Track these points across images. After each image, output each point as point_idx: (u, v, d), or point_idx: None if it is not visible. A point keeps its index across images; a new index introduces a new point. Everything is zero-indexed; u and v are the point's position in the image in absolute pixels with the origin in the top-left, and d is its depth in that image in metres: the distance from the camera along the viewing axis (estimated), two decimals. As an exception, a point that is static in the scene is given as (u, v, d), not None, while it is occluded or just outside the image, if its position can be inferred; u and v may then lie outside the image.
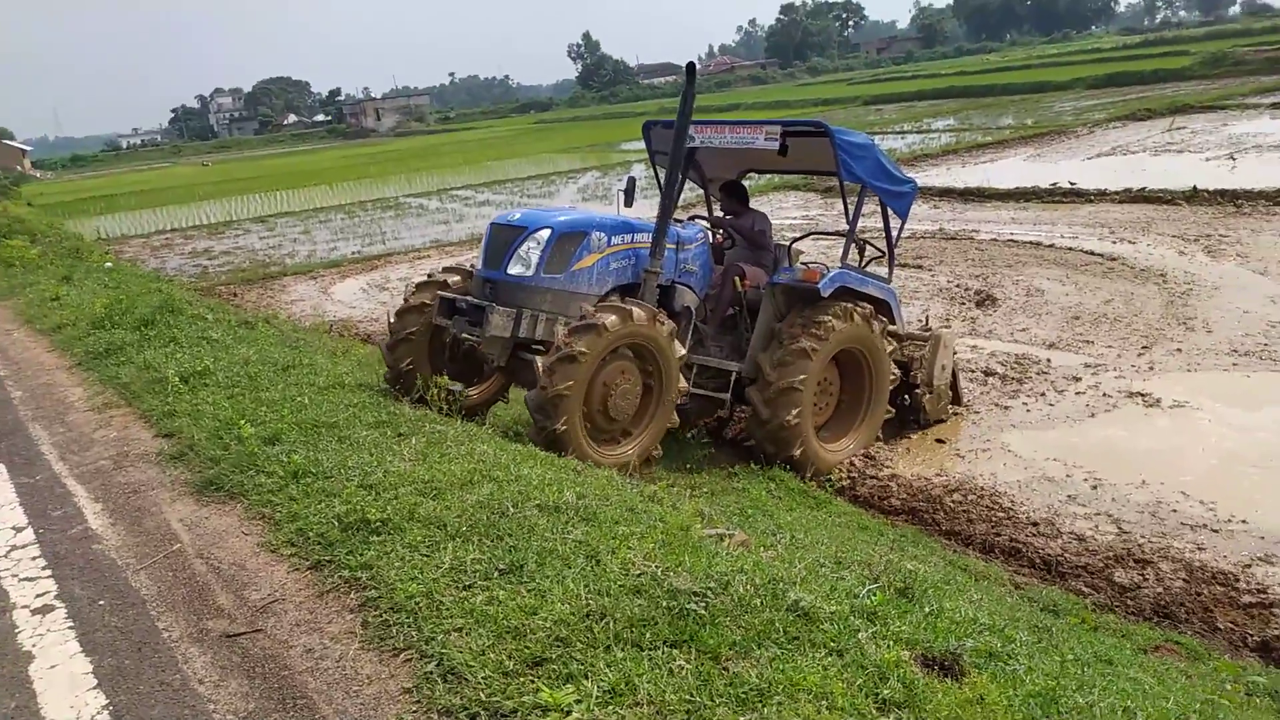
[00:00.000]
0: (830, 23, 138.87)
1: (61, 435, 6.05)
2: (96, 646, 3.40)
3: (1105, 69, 48.56)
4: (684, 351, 6.42)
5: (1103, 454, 7.04)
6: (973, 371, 9.03)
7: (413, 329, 6.71)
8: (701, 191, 8.75)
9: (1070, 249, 13.70)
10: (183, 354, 7.31)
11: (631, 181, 7.67)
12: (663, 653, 2.85)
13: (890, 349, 7.38)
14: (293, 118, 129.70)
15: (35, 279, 12.89)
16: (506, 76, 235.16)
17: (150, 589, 3.81)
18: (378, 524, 3.87)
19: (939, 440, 7.65)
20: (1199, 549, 5.70)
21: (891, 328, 7.55)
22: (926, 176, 22.49)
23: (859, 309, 7.06)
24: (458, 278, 6.81)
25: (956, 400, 8.16)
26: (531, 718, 2.61)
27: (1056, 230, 15.07)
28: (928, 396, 7.77)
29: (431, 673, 2.91)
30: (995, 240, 14.87)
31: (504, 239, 6.33)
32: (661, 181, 8.13)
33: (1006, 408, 8.15)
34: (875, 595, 3.37)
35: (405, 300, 6.91)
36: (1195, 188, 16.38)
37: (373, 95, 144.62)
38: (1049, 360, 9.16)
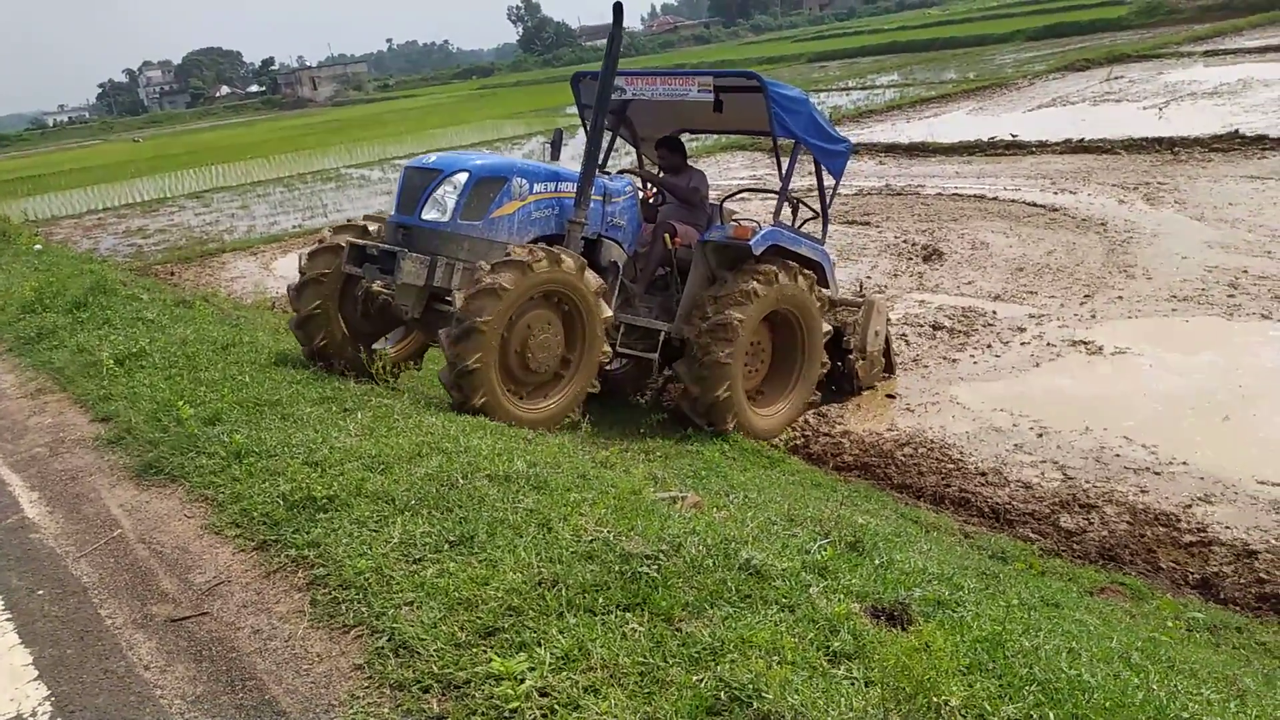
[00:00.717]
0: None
1: (-7, 424, 5.85)
2: (37, 637, 3.31)
3: (1044, 20, 48.97)
4: (610, 313, 6.16)
5: (1048, 402, 7.17)
6: (921, 326, 9.12)
7: (315, 303, 6.29)
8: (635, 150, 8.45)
9: (1013, 201, 13.86)
10: (117, 336, 7.10)
11: (559, 134, 7.33)
12: (615, 617, 2.85)
13: (822, 310, 7.17)
14: (226, 90, 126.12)
15: (-40, 264, 12.42)
16: (446, 42, 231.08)
17: (91, 576, 3.72)
18: (324, 501, 3.80)
19: (889, 395, 7.74)
20: (1142, 491, 5.85)
21: (824, 292, 7.38)
22: (872, 133, 22.58)
23: (790, 267, 6.87)
24: (375, 226, 6.40)
25: (889, 368, 8.07)
26: (485, 688, 2.59)
27: (1000, 183, 15.23)
28: (860, 362, 7.68)
29: (383, 648, 2.88)
30: (940, 195, 14.99)
31: (418, 183, 5.99)
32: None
33: (954, 361, 8.26)
34: (826, 550, 3.40)
35: (301, 272, 6.41)
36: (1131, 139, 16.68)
37: (308, 64, 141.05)
38: (994, 312, 9.28)
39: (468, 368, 5.36)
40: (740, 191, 9.27)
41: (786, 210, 7.34)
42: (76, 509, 4.39)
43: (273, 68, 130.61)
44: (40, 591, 3.64)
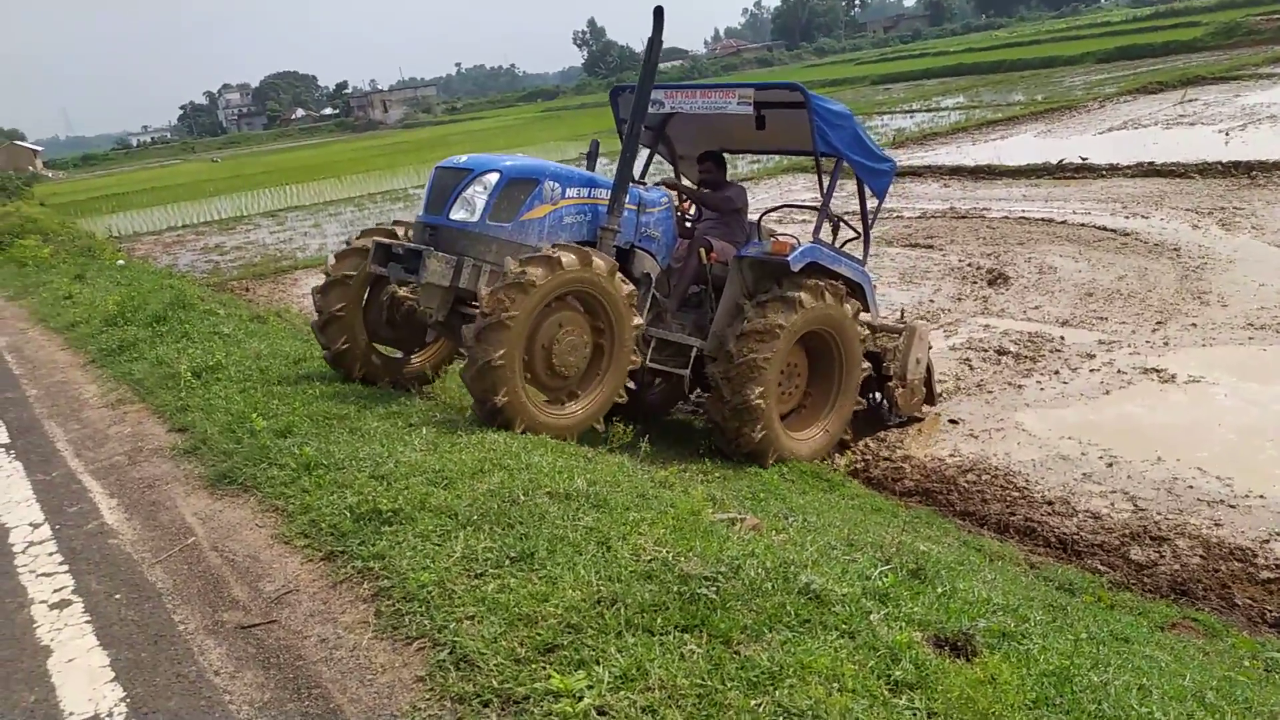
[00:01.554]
0: (836, 2, 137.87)
1: (76, 432, 6.09)
2: (114, 640, 3.43)
3: (1115, 42, 48.03)
4: (641, 321, 5.93)
5: (1118, 431, 6.99)
6: (986, 351, 8.98)
7: (340, 305, 6.18)
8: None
9: (1083, 225, 13.58)
10: (195, 349, 7.34)
11: (595, 144, 7.12)
12: (674, 637, 2.86)
13: (862, 336, 6.98)
14: (300, 112, 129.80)
15: (48, 278, 12.97)
16: (513, 65, 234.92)
17: (166, 582, 3.84)
18: (389, 514, 3.88)
19: (952, 421, 7.62)
20: (1216, 525, 5.66)
21: (864, 316, 7.12)
22: (936, 155, 22.34)
23: (830, 286, 6.66)
24: (404, 230, 6.27)
25: (930, 399, 7.80)
26: (544, 704, 2.62)
27: (1069, 206, 14.94)
28: (900, 391, 7.40)
29: (444, 661, 2.92)
30: (1007, 218, 14.75)
31: (448, 182, 5.80)
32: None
33: (1020, 387, 8.10)
34: (887, 577, 3.36)
35: (327, 274, 6.28)
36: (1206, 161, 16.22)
37: (379, 87, 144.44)
38: (1062, 338, 9.09)
39: (491, 363, 5.09)
40: (779, 208, 8.98)
41: (827, 229, 7.17)
42: (153, 516, 4.55)
43: (346, 91, 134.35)
44: (117, 595, 3.77)
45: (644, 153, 7.65)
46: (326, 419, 5.31)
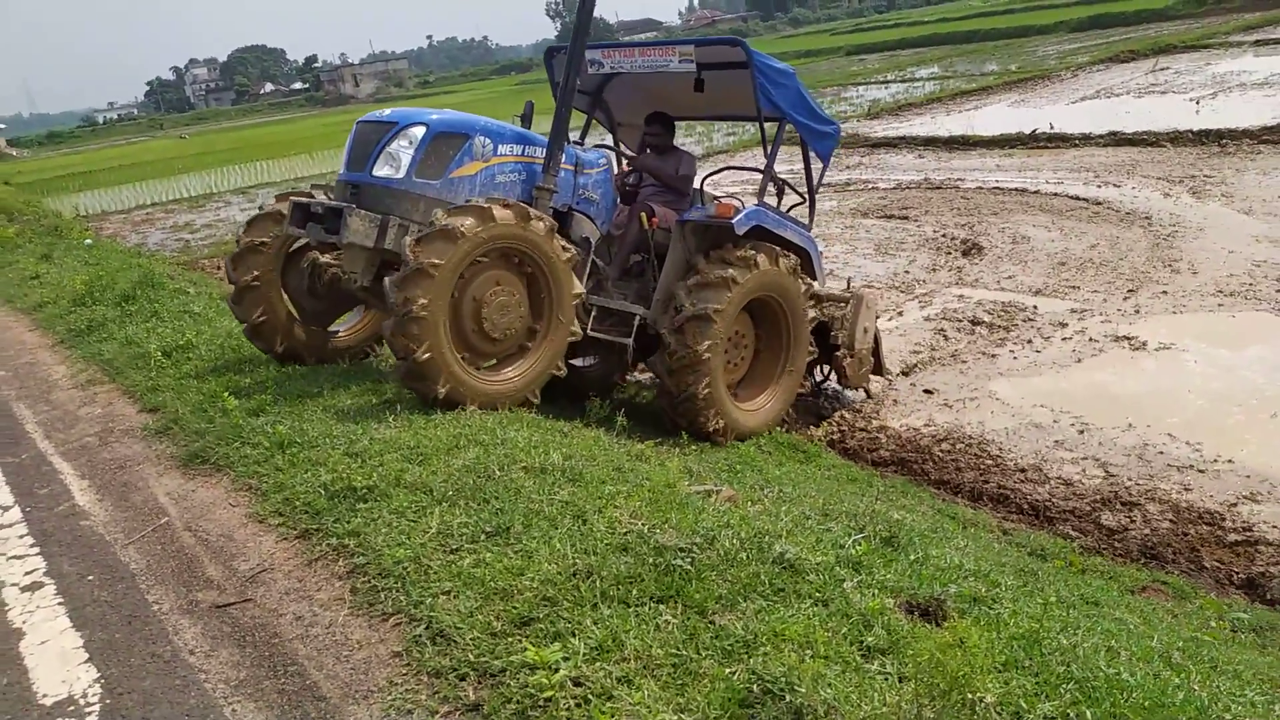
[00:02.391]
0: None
1: (46, 413, 6.02)
2: (87, 621, 3.41)
3: (1088, 11, 48.07)
4: (582, 289, 5.65)
5: (1090, 398, 7.06)
6: (960, 321, 9.03)
7: (254, 274, 5.89)
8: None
9: (1055, 194, 13.66)
10: (165, 329, 7.26)
11: (529, 106, 6.65)
12: (649, 608, 2.87)
13: (805, 296, 6.67)
14: (269, 86, 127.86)
15: (14, 258, 12.77)
16: (485, 38, 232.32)
17: (139, 563, 3.82)
18: (364, 491, 3.87)
19: (927, 391, 7.67)
20: (1186, 489, 5.75)
21: (811, 284, 6.86)
22: (911, 126, 22.35)
23: (770, 250, 6.36)
24: (323, 194, 5.86)
25: (879, 369, 7.67)
26: (520, 676, 2.63)
27: (1041, 176, 15.01)
28: (849, 360, 7.21)
29: (420, 636, 2.92)
30: (980, 188, 14.80)
31: (371, 137, 5.45)
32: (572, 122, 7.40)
33: (994, 356, 8.17)
34: (861, 545, 3.39)
35: (238, 241, 5.98)
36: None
37: (350, 61, 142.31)
38: (1035, 307, 9.16)
39: (413, 313, 4.75)
40: (721, 170, 8.53)
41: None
42: (125, 497, 4.51)
43: (315, 65, 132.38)
44: (90, 577, 3.74)
45: (582, 119, 7.44)
46: (299, 397, 5.28)
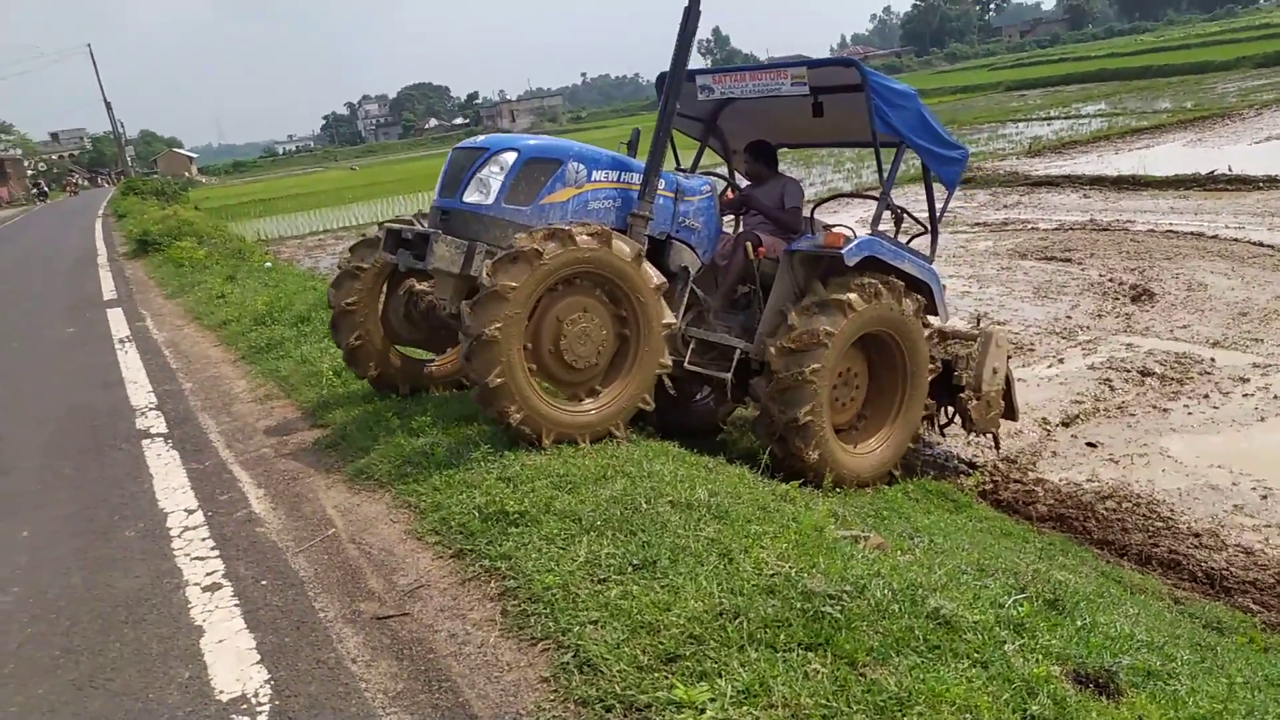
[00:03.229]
0: (970, 7, 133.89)
1: (227, 424, 6.47)
2: (260, 624, 3.62)
3: (1275, 46, 44.96)
4: (673, 319, 5.35)
5: (1274, 461, 6.52)
6: (1128, 371, 8.53)
7: (351, 298, 5.95)
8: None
9: (1236, 240, 12.76)
10: (336, 350, 7.68)
11: (636, 133, 6.49)
12: (797, 655, 2.82)
13: (928, 337, 6.26)
14: (434, 122, 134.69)
15: (203, 278, 13.83)
16: (637, 75, 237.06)
17: (308, 571, 4.04)
18: (516, 516, 3.97)
19: (1090, 444, 7.27)
20: (1387, 567, 5.22)
21: (933, 320, 6.41)
22: (1075, 164, 21.40)
23: (888, 283, 6.01)
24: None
25: (1011, 413, 7.11)
26: (665, 713, 2.63)
27: (1220, 220, 14.06)
28: (974, 403, 6.70)
29: (568, 663, 2.97)
30: (1152, 231, 14.00)
31: (464, 163, 5.36)
32: (687, 148, 7.17)
33: (1166, 410, 7.67)
34: (1022, 606, 3.23)
35: (340, 266, 6.02)
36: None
37: (508, 97, 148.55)
38: (1213, 360, 8.55)
39: (485, 336, 4.61)
40: (833, 198, 8.12)
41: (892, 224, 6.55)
42: (296, 507, 4.79)
43: (476, 101, 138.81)
44: (264, 581, 3.99)
45: (695, 146, 7.38)
46: (456, 420, 5.48)
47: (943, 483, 6.65)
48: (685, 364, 5.95)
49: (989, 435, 7.10)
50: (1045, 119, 32.84)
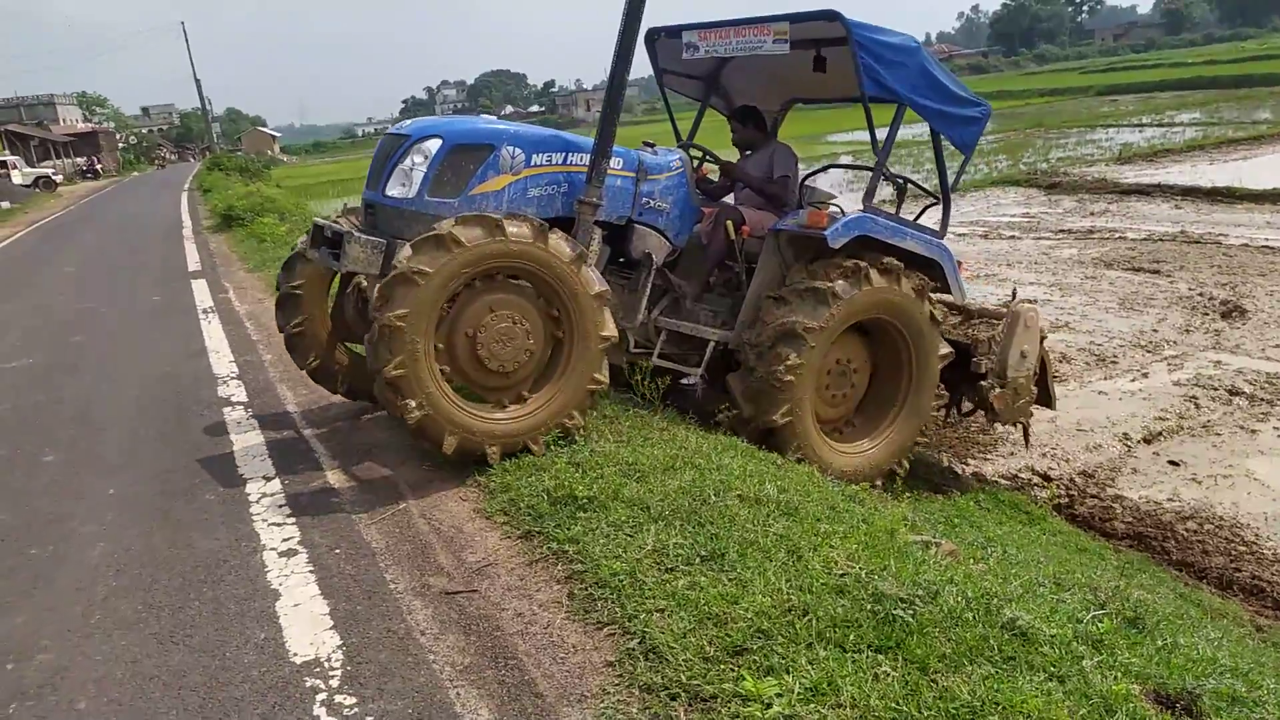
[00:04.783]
0: (1062, 8, 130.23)
1: (305, 396, 6.63)
2: (333, 590, 3.71)
3: (1391, 55, 42.87)
4: (614, 332, 4.82)
5: (1372, 490, 6.24)
6: (1215, 389, 8.23)
7: (297, 282, 5.64)
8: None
9: (1339, 258, 12.21)
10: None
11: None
12: (867, 656, 2.79)
13: (937, 318, 5.71)
14: (509, 108, 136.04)
15: (283, 254, 14.15)
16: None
17: (380, 542, 4.12)
18: (584, 501, 3.99)
19: (1173, 462, 7.03)
20: None
21: (946, 298, 5.86)
22: (1168, 173, 20.70)
23: (891, 266, 5.47)
24: None
25: (1046, 401, 6.40)
26: (731, 705, 2.62)
27: (1323, 237, 13.47)
28: (997, 391, 6.00)
29: (634, 650, 2.98)
30: (1247, 246, 13.47)
31: (388, 151, 4.93)
32: (682, 113, 6.65)
33: (1254, 432, 7.38)
34: (1102, 622, 3.14)
35: (278, 287, 5.79)
36: None
37: (584, 86, 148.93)
38: (1308, 381, 8.20)
39: (389, 325, 4.22)
40: (828, 168, 7.28)
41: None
42: (369, 480, 4.89)
43: (552, 89, 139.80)
44: (337, 550, 4.08)
45: (695, 106, 6.93)
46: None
47: (1016, 494, 6.51)
48: (654, 357, 5.61)
49: (1017, 426, 6.49)
50: (1136, 125, 31.83)
